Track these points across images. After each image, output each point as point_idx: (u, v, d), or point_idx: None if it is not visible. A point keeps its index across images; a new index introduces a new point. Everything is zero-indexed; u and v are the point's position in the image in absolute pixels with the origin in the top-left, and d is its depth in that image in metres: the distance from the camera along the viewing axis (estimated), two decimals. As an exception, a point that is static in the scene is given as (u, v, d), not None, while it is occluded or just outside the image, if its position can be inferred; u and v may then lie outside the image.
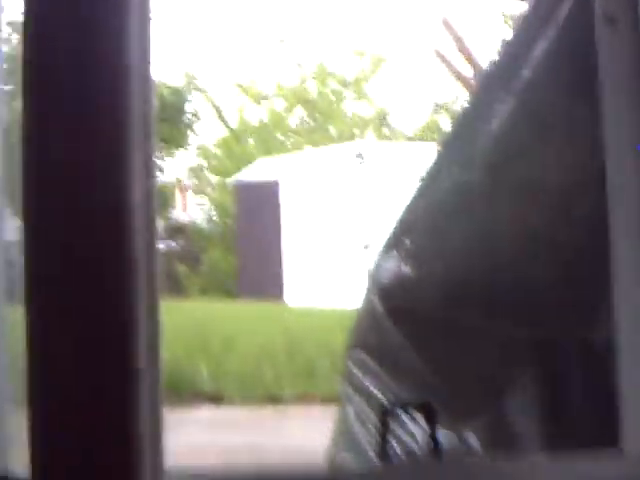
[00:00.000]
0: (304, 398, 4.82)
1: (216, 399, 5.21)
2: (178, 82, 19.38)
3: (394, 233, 1.58)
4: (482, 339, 1.34)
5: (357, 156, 15.20)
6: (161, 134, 16.81)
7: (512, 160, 1.38)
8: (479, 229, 1.37)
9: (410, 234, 1.51)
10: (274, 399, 5.01)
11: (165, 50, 28.87)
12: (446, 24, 4.03)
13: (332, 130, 24.18)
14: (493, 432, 1.31)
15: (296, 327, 7.06)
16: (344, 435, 1.65)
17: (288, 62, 27.49)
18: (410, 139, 22.55)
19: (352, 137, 21.21)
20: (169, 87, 17.29)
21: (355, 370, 1.63)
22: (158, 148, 17.25)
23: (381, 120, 24.75)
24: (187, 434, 4.41)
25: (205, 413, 5.21)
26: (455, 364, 1.39)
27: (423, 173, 1.57)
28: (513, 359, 1.34)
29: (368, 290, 1.56)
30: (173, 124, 17.34)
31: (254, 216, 15.23)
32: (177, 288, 17.90)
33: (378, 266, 1.56)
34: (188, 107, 17.80)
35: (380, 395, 1.48)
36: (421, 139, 20.69)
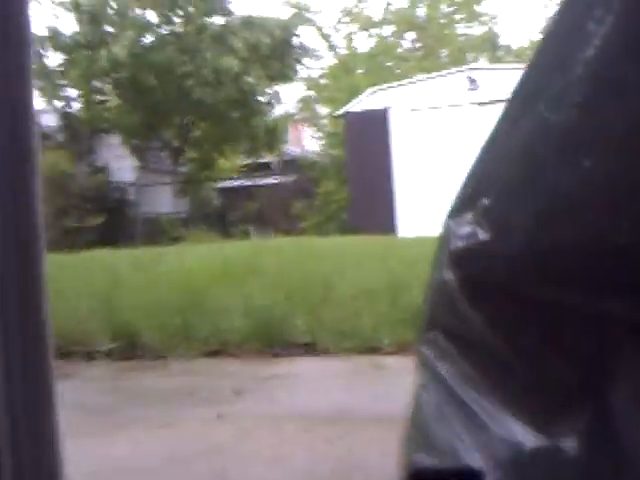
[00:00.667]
0: (405, 348, 4.70)
1: (311, 350, 5.19)
2: (285, 15, 19.29)
3: (467, 190, 1.36)
4: (582, 322, 1.14)
5: (469, 81, 14.75)
6: (271, 69, 16.84)
7: (614, 97, 1.13)
8: (577, 180, 1.15)
9: (488, 190, 1.29)
10: (373, 349, 4.95)
11: (272, -18, 28.60)
12: None
13: (443, 55, 23.54)
14: (593, 434, 1.14)
15: (405, 261, 6.94)
16: (421, 433, 1.43)
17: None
18: (522, 59, 21.65)
19: (463, 61, 20.58)
20: (277, 21, 17.18)
21: (431, 357, 1.44)
22: (269, 83, 17.31)
23: (493, 42, 23.88)
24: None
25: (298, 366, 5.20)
26: (546, 353, 1.20)
27: (502, 112, 1.34)
28: (619, 347, 1.15)
29: (438, 261, 1.35)
30: (282, 59, 17.28)
31: (364, 145, 15.11)
32: (292, 222, 18.12)
33: (449, 231, 1.34)
34: (296, 40, 17.64)
35: (461, 390, 1.30)
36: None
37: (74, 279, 7.47)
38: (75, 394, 4.29)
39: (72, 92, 17.87)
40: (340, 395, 4.33)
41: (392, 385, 3.71)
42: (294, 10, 21.74)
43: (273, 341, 5.41)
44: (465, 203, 1.35)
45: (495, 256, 1.21)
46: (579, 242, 1.19)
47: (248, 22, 16.78)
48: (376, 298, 5.72)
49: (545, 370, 1.20)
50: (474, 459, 1.22)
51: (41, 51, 16.97)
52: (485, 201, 1.29)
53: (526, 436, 1.18)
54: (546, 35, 1.33)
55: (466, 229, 1.32)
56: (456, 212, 1.37)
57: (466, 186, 1.38)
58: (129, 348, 5.52)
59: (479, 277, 1.23)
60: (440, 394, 1.39)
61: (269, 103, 18.42)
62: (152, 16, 17.05)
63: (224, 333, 5.49)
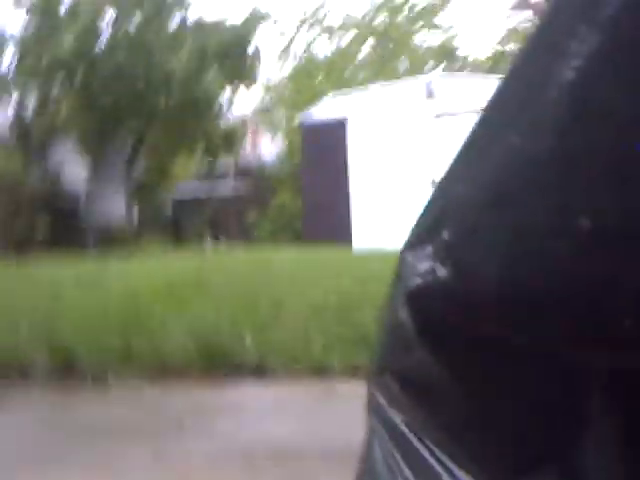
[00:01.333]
0: (355, 371, 4.46)
1: (260, 372, 4.94)
2: (244, 17, 19.04)
3: (427, 220, 1.14)
4: (551, 373, 0.95)
5: (426, 89, 14.65)
6: (227, 72, 16.57)
7: (596, 120, 0.89)
8: (553, 216, 0.92)
9: (450, 222, 1.07)
10: (323, 371, 4.71)
11: (230, -14, 28.45)
12: None
13: (403, 63, 23.51)
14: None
15: (358, 277, 6.75)
16: (369, 476, 1.26)
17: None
18: (481, 70, 21.72)
19: (422, 70, 20.54)
20: (231, 26, 16.94)
21: (382, 403, 1.23)
22: (225, 88, 17.03)
23: (451, 53, 23.95)
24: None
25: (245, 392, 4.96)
26: (510, 401, 0.98)
27: (468, 137, 1.13)
28: (592, 395, 0.98)
29: (393, 298, 1.13)
30: (239, 63, 17.03)
31: (320, 157, 14.94)
32: (246, 231, 17.86)
33: (406, 266, 1.13)
34: (253, 45, 17.38)
35: (414, 439, 1.09)
36: (492, 71, 19.89)
37: (14, 293, 7.15)
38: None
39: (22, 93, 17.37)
40: (289, 426, 4.09)
41: (342, 415, 3.49)
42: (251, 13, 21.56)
43: (220, 363, 5.15)
44: (424, 235, 1.09)
45: (456, 296, 0.96)
46: (551, 285, 0.96)
47: (200, 26, 16.52)
48: (327, 317, 5.51)
49: (509, 425, 0.98)
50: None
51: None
52: (446, 234, 1.02)
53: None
54: (520, 55, 1.09)
55: (425, 264, 1.06)
56: (414, 244, 1.11)
57: (426, 215, 1.12)
58: (66, 371, 5.22)
59: (438, 319, 0.98)
60: (391, 444, 1.16)
61: (224, 108, 18.15)
62: (104, 17, 16.68)
63: (168, 355, 5.23)
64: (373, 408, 1.35)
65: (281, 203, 17.69)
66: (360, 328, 4.99)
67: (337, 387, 4.67)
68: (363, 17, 24.46)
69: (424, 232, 1.11)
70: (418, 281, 1.07)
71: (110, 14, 16.50)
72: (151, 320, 5.61)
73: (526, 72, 1.16)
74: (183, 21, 16.91)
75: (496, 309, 1.01)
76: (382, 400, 1.33)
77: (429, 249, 1.07)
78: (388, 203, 13.82)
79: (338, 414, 4.10)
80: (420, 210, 1.29)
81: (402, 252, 1.14)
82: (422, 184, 11.90)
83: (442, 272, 1.04)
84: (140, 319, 5.65)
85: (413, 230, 1.14)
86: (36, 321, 5.73)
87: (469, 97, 12.00)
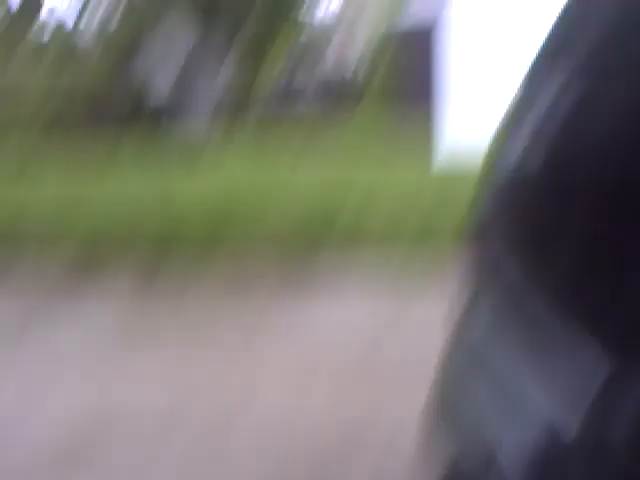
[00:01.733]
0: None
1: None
2: None
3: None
4: None
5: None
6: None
7: None
8: None
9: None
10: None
11: None
12: None
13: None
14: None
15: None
16: (446, 401, 1.00)
17: None
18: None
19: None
20: None
21: (482, 266, 1.05)
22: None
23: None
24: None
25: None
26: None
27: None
28: None
29: (483, 190, 1.00)
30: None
31: (412, 63, 14.55)
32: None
33: (500, 149, 0.98)
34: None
35: (529, 295, 0.85)
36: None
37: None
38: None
39: None
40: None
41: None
42: None
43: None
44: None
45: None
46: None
47: None
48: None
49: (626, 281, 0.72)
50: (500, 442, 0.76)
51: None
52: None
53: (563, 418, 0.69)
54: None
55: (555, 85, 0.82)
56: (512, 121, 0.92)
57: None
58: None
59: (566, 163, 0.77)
60: (502, 301, 0.89)
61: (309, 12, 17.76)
62: None
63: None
64: (478, 267, 1.08)
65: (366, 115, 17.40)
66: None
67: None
68: None
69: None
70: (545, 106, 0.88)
71: None
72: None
73: None
74: None
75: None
76: (481, 264, 1.07)
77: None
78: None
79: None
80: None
81: (496, 134, 1.07)
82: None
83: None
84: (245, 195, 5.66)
85: (513, 107, 1.00)
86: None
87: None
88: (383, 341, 3.98)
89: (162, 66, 17.83)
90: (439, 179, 8.85)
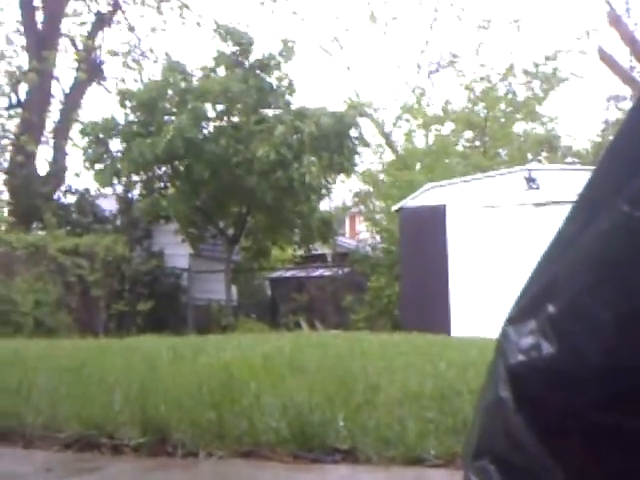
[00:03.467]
0: (452, 460, 4.27)
1: (351, 457, 4.78)
2: (344, 107, 19.50)
3: (530, 294, 1.10)
4: None
5: (527, 180, 14.53)
6: (327, 160, 16.91)
7: None
8: None
9: (555, 295, 1.03)
10: (418, 460, 4.51)
11: (331, 76, 29.23)
12: (612, 18, 3.41)
13: (503, 153, 23.46)
14: None
15: (457, 363, 6.60)
16: None
17: (456, 85, 27.11)
18: (581, 161, 21.43)
19: (523, 160, 20.41)
20: (331, 113, 17.33)
21: None
22: (325, 174, 17.35)
23: (553, 143, 23.75)
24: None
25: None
26: None
27: (571, 212, 1.09)
28: None
29: (494, 375, 1.08)
30: (338, 150, 17.35)
31: (419, 242, 14.91)
32: (342, 315, 17.83)
33: (508, 342, 1.08)
34: (354, 132, 17.72)
35: None
36: (591, 162, 19.59)
37: (114, 365, 7.31)
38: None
39: (131, 178, 18.17)
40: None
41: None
42: (357, 103, 22.06)
43: (311, 445, 5.06)
44: (527, 309, 1.03)
45: (562, 374, 0.92)
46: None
47: (301, 113, 16.94)
48: (424, 403, 5.37)
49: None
50: None
51: (100, 136, 17.37)
52: (551, 308, 0.98)
53: None
54: (621, 130, 1.02)
55: (528, 340, 1.04)
56: (516, 319, 1.05)
57: (529, 290, 1.05)
58: (159, 443, 5.24)
59: (541, 398, 0.93)
60: None
61: (323, 194, 18.42)
62: (208, 107, 17.39)
63: (260, 433, 5.18)
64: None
65: (378, 288, 17.64)
66: (458, 415, 4.84)
67: (432, 475, 4.51)
68: (462, 109, 24.70)
69: (528, 305, 1.08)
70: (521, 357, 1.03)
71: (214, 104, 17.23)
72: (245, 396, 5.61)
73: (630, 143, 1.09)
74: (286, 107, 17.47)
75: (606, 386, 0.94)
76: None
77: (532, 324, 1.04)
78: (487, 291, 13.60)
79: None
80: (523, 285, 1.14)
81: (504, 327, 1.11)
82: (522, 273, 11.67)
83: (547, 347, 1.00)
84: (233, 394, 5.65)
85: (516, 304, 1.11)
86: (134, 393, 5.82)
87: (569, 187, 11.82)
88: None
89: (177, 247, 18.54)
90: (456, 344, 8.95)
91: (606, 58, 4.03)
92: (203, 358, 7.49)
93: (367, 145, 19.38)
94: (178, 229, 18.29)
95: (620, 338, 0.93)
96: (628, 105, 23.44)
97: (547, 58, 25.02)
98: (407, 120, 26.34)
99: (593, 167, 1.08)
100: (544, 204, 13.94)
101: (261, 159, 15.78)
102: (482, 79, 25.79)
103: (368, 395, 5.49)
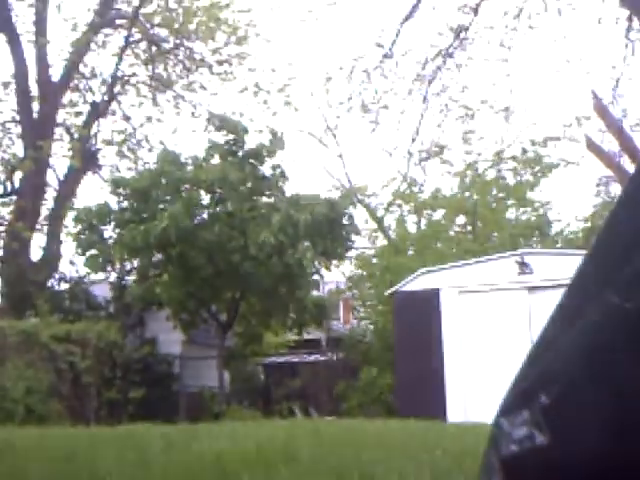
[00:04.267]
0: None
1: None
2: (336, 194, 19.75)
3: (522, 384, 1.12)
4: None
5: (520, 264, 14.61)
6: (320, 246, 17.02)
7: None
8: None
9: (548, 386, 1.05)
10: None
11: (323, 162, 29.71)
12: (599, 108, 3.49)
13: (494, 238, 23.64)
14: None
15: (452, 451, 6.51)
16: None
17: (446, 172, 27.55)
18: (573, 245, 21.60)
19: (515, 245, 20.56)
20: (324, 200, 17.56)
21: None
22: (318, 260, 17.43)
23: (544, 228, 23.99)
24: None
25: None
26: None
27: (561, 301, 1.12)
28: None
29: (487, 466, 1.09)
30: (332, 237, 17.49)
31: (413, 326, 14.87)
32: (336, 402, 17.62)
33: (501, 432, 1.09)
34: (346, 220, 17.91)
35: None
36: (583, 246, 19.76)
37: (106, 456, 7.18)
38: None
39: (124, 264, 18.22)
40: None
41: None
42: (350, 191, 22.36)
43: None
44: (520, 399, 1.05)
45: (556, 465, 0.92)
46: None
47: (294, 200, 17.17)
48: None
49: None
50: None
51: (93, 223, 17.50)
52: (544, 399, 0.99)
53: None
54: (608, 221, 1.10)
55: (521, 431, 1.02)
56: (509, 409, 1.06)
57: (521, 379, 1.08)
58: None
59: None
60: None
61: (317, 279, 18.46)
62: (202, 195, 17.62)
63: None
64: None
65: (371, 375, 17.49)
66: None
67: None
68: (453, 195, 25.01)
69: (520, 396, 1.08)
70: (514, 448, 1.02)
71: (208, 192, 17.47)
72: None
73: (618, 234, 1.12)
74: (280, 193, 17.71)
75: (600, 477, 0.91)
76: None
77: (526, 414, 1.03)
78: (483, 375, 13.51)
79: None
80: (515, 374, 1.15)
81: (497, 417, 1.11)
82: (516, 357, 11.63)
83: (540, 438, 0.99)
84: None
85: (508, 394, 1.12)
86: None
87: (561, 272, 11.90)
88: None
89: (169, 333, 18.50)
90: (452, 431, 8.81)
91: (593, 147, 4.13)
92: (195, 447, 7.36)
93: (358, 233, 19.56)
94: (170, 315, 18.21)
95: (612, 433, 0.94)
96: (617, 189, 23.82)
97: (534, 143, 25.50)
98: (399, 205, 26.63)
99: (584, 252, 1.10)
100: (536, 288, 14.00)
101: (259, 245, 15.91)
102: (469, 166, 26.22)
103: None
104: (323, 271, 18.43)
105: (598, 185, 26.44)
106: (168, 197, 17.03)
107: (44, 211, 22.04)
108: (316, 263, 17.45)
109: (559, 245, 23.05)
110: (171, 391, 18.07)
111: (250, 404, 18.42)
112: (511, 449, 1.11)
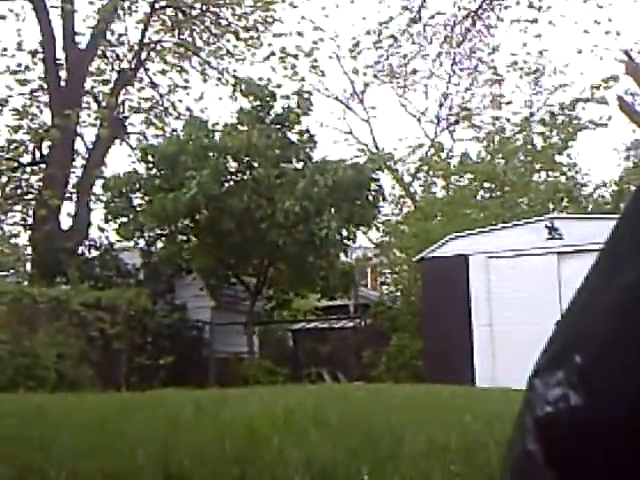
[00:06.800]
0: None
1: None
2: (363, 159, 19.64)
3: (556, 345, 1.10)
4: None
5: (549, 229, 14.49)
6: (347, 213, 16.98)
7: None
8: None
9: (582, 346, 1.03)
10: None
11: (350, 127, 29.58)
12: (631, 69, 3.36)
13: (523, 203, 23.42)
14: None
15: (482, 416, 6.52)
16: None
17: (474, 137, 27.29)
18: (602, 210, 21.36)
19: (544, 210, 20.37)
20: (354, 165, 17.47)
21: None
22: (345, 227, 17.41)
23: (573, 191, 23.71)
24: None
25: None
26: None
27: (594, 265, 1.09)
28: None
29: (521, 428, 1.07)
30: (359, 202, 17.43)
31: (441, 292, 14.85)
32: (365, 367, 17.69)
33: (535, 393, 1.07)
34: (374, 185, 17.82)
35: None
36: (613, 211, 19.54)
37: (137, 420, 7.28)
38: None
39: (154, 231, 18.34)
40: None
41: None
42: (377, 156, 22.23)
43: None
44: (554, 360, 1.02)
45: (590, 426, 0.91)
46: None
47: (321, 166, 17.08)
48: (449, 457, 5.29)
49: None
50: None
51: (123, 191, 17.60)
52: (578, 359, 0.98)
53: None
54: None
55: (555, 391, 1.00)
56: (543, 370, 1.03)
57: (555, 341, 1.06)
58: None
59: (571, 450, 0.92)
60: None
61: (344, 246, 18.44)
62: (230, 162, 17.60)
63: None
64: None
65: (400, 338, 17.52)
66: (484, 468, 4.77)
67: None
68: (481, 160, 24.77)
69: (554, 357, 1.07)
70: (548, 409, 1.03)
71: (236, 159, 17.45)
72: (267, 451, 5.56)
73: None
74: (308, 160, 17.66)
75: (636, 439, 0.92)
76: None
77: (560, 375, 1.03)
78: (511, 341, 13.49)
79: None
80: (549, 336, 1.13)
81: (530, 379, 1.10)
82: (545, 323, 11.57)
83: (575, 398, 0.99)
84: (256, 449, 5.61)
85: (542, 356, 1.11)
86: (156, 449, 5.79)
87: (590, 237, 11.79)
88: None
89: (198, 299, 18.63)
90: (482, 396, 8.82)
91: (625, 107, 4.04)
92: (226, 412, 7.45)
93: (385, 199, 19.45)
94: (199, 281, 18.34)
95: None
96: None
97: (562, 107, 25.14)
98: (427, 171, 26.46)
99: (614, 216, 1.08)
100: (565, 253, 13.89)
101: (285, 212, 15.90)
102: (497, 131, 25.93)
103: (393, 448, 5.42)
104: (350, 238, 18.41)
105: (629, 149, 26.07)
106: (195, 164, 17.07)
107: (73, 179, 22.20)
108: (342, 231, 17.41)
109: (589, 209, 22.79)
110: (201, 357, 18.26)
111: (279, 369, 18.57)
112: (545, 410, 1.09)
